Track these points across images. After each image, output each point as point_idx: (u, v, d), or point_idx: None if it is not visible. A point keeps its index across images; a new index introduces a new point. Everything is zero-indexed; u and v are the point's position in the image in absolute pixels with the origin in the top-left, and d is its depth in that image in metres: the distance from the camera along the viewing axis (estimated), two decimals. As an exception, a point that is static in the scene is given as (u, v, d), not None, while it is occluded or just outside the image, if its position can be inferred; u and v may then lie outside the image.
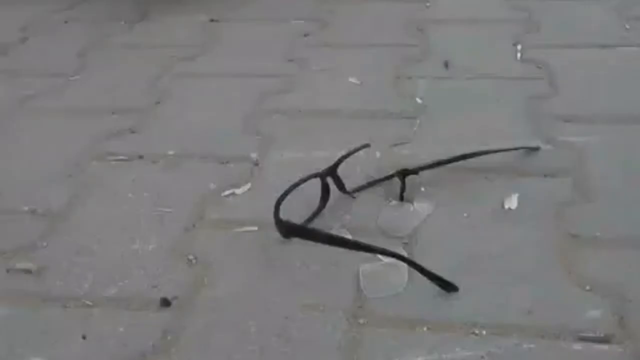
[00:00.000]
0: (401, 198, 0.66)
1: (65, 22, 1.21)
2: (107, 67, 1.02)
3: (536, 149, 0.73)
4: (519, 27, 1.07)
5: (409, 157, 0.72)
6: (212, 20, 1.17)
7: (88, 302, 0.56)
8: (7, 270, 0.60)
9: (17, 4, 1.31)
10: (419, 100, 0.86)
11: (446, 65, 0.95)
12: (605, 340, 0.49)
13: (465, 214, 0.64)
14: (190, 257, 0.60)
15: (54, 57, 1.06)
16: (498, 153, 0.71)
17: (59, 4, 1.29)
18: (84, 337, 0.52)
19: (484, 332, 0.50)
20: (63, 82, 0.97)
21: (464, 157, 0.69)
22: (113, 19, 1.21)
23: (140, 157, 0.76)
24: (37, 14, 1.24)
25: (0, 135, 0.84)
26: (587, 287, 0.54)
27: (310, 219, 0.63)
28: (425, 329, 0.51)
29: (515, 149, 0.72)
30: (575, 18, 1.10)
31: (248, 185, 0.70)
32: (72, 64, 1.03)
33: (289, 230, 0.60)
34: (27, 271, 0.60)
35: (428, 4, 1.20)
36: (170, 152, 0.77)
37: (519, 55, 0.98)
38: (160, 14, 1.23)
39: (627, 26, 1.05)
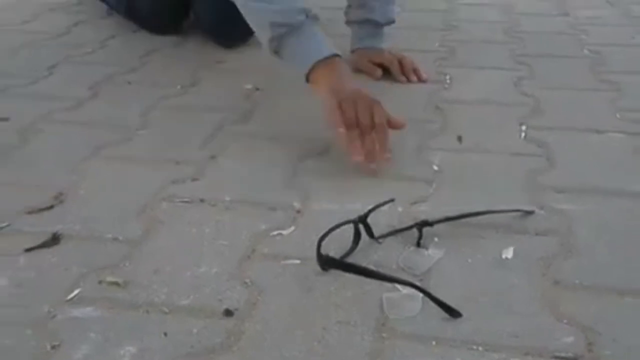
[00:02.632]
0: (418, 245, 0.80)
1: (129, 83, 1.40)
2: (167, 125, 1.19)
3: (531, 212, 0.88)
4: (525, 110, 1.23)
5: (425, 212, 0.87)
6: (257, 89, 1.34)
7: (165, 309, 0.70)
8: (99, 282, 0.74)
9: (87, 65, 1.50)
10: (435, 168, 1.01)
11: (459, 139, 1.11)
12: (574, 358, 0.62)
13: (469, 260, 0.78)
14: (247, 280, 0.75)
15: (120, 113, 1.23)
16: (499, 214, 0.85)
17: (122, 67, 1.48)
18: (165, 334, 0.66)
19: (480, 349, 0.64)
20: (130, 134, 1.14)
21: (471, 214, 0.84)
22: (169, 84, 1.38)
23: (202, 200, 0.92)
24: (104, 74, 1.43)
25: (80, 177, 0.99)
26: (565, 321, 0.68)
27: (345, 257, 0.78)
28: (434, 343, 0.65)
29: (513, 210, 0.87)
30: (575, 106, 1.26)
31: (292, 228, 0.85)
32: (137, 120, 1.20)
33: (327, 262, 0.74)
34: (115, 283, 0.74)
35: (446, 86, 1.37)
36: (227, 198, 0.92)
37: (523, 134, 1.14)
38: (210, 80, 1.41)
39: (618, 115, 1.21)
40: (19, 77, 1.41)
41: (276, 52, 1.10)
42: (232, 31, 1.54)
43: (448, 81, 1.40)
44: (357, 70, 1.41)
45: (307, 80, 1.07)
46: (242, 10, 1.14)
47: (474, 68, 1.47)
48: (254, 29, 1.15)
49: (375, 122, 0.99)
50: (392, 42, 1.49)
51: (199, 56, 1.55)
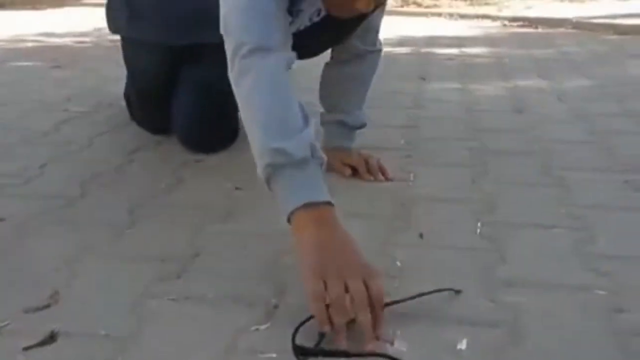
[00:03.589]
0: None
1: (116, 182, 1.50)
2: (153, 223, 1.28)
3: (458, 291, 1.00)
4: (480, 207, 1.36)
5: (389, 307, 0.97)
6: (236, 188, 1.45)
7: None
8: (96, 377, 0.82)
9: (76, 163, 1.60)
10: (398, 263, 1.12)
11: (421, 236, 1.23)
12: None
13: (428, 352, 0.88)
14: (229, 372, 0.83)
15: (109, 212, 1.33)
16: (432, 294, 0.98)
17: (109, 165, 1.58)
18: None
19: None
20: (119, 233, 1.23)
21: (405, 299, 0.95)
22: (154, 182, 1.49)
23: (186, 298, 1.01)
24: (93, 173, 1.53)
25: (74, 276, 1.08)
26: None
27: (317, 344, 0.87)
28: None
29: (442, 290, 0.99)
30: (525, 202, 1.39)
31: (269, 323, 0.94)
32: (125, 219, 1.29)
33: (302, 352, 0.83)
34: (110, 378, 0.82)
35: (410, 183, 1.50)
36: (210, 295, 1.01)
37: (478, 230, 1.25)
38: (191, 180, 1.51)
39: (563, 211, 1.34)
40: (12, 177, 1.51)
41: (267, 178, 1.02)
42: (202, 143, 1.66)
43: (412, 178, 1.53)
44: (328, 168, 1.53)
45: (289, 220, 0.99)
46: (250, 131, 1.05)
47: (436, 166, 1.61)
48: (253, 146, 1.04)
49: (368, 302, 0.88)
50: (362, 139, 1.62)
51: (180, 155, 1.66)
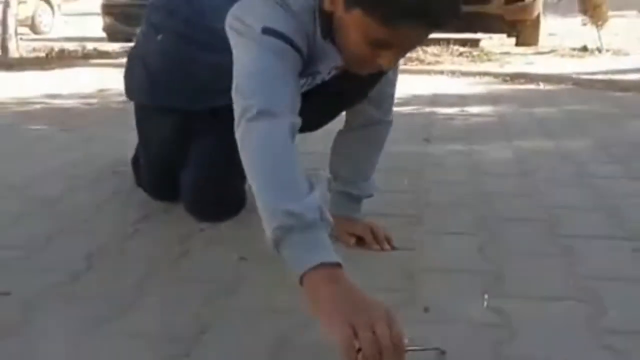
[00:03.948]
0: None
1: (122, 254, 1.50)
2: (159, 299, 1.28)
3: (443, 352, 1.02)
4: (488, 278, 1.35)
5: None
6: (242, 259, 1.45)
7: None
8: None
9: (82, 234, 1.61)
10: (406, 341, 1.10)
11: (426, 310, 1.21)
12: None
13: None
14: None
15: (115, 287, 1.32)
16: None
17: (115, 235, 1.59)
18: None
19: None
20: (125, 309, 1.22)
21: None
22: (160, 254, 1.49)
23: (193, 379, 1.00)
24: (98, 244, 1.53)
25: (80, 355, 1.07)
26: None
27: None
28: None
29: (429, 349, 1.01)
30: (533, 273, 1.38)
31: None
32: (130, 294, 1.29)
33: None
34: None
35: (416, 253, 1.49)
36: (216, 377, 1.00)
37: (485, 303, 1.24)
38: (197, 251, 1.51)
39: (572, 282, 1.33)
40: (18, 249, 1.51)
41: (277, 241, 1.02)
42: (208, 212, 1.67)
43: (417, 248, 1.52)
44: (332, 237, 1.53)
45: (301, 281, 1.00)
46: (256, 192, 1.07)
47: (442, 234, 1.60)
48: (262, 214, 1.05)
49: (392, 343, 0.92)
50: (367, 204, 1.62)
51: (185, 224, 1.66)
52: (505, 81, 4.56)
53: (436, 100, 3.72)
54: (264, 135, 1.09)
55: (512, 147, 2.53)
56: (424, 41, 1.22)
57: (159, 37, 1.69)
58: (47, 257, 1.48)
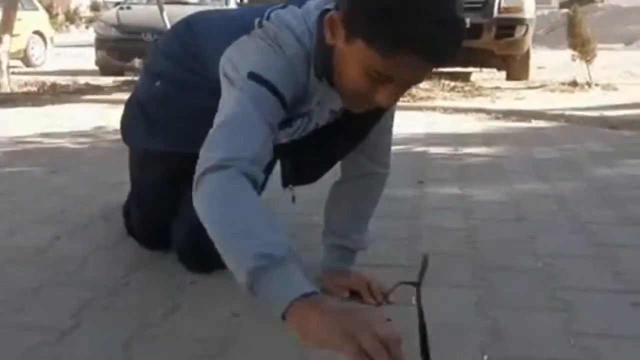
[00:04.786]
0: None
1: (111, 309, 1.46)
2: (150, 358, 1.24)
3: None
4: (485, 336, 1.32)
5: None
6: (234, 315, 1.41)
7: None
8: None
9: (69, 287, 1.57)
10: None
11: (425, 374, 1.18)
12: None
13: None
14: None
15: (102, 346, 1.28)
16: None
17: (103, 288, 1.55)
18: None
19: None
20: (112, 372, 1.18)
21: None
22: (149, 309, 1.45)
23: None
24: (86, 300, 1.49)
25: None
26: None
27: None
28: None
29: None
30: (532, 329, 1.35)
31: None
32: (119, 355, 1.25)
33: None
34: None
35: (411, 308, 1.45)
36: None
37: (486, 365, 1.21)
38: (187, 306, 1.47)
39: (572, 341, 1.30)
40: (3, 303, 1.47)
41: (251, 286, 1.02)
42: (200, 263, 1.63)
43: (413, 302, 1.49)
44: (324, 290, 1.50)
45: (286, 316, 0.99)
46: (218, 243, 1.07)
47: (438, 286, 1.57)
48: (229, 262, 1.06)
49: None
50: (361, 254, 1.60)
51: (176, 275, 1.63)
52: (497, 118, 4.57)
53: (429, 138, 3.71)
54: (217, 187, 1.10)
55: (507, 189, 2.51)
56: (424, 77, 1.19)
57: (157, 83, 1.67)
58: (32, 313, 1.44)
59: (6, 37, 5.99)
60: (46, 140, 3.66)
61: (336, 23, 1.15)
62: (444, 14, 1.06)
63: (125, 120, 1.77)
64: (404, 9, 1.05)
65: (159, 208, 1.72)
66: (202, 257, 1.63)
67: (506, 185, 2.59)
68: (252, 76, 1.18)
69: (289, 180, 1.62)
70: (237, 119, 1.15)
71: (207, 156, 1.13)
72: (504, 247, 1.85)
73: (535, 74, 7.56)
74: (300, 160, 1.58)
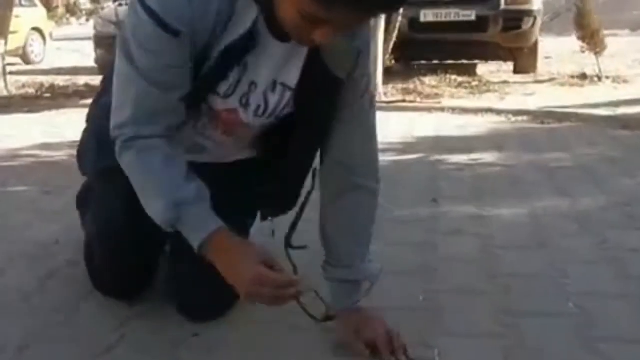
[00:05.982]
0: None
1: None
2: None
3: None
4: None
5: None
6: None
7: None
8: None
9: (58, 342, 1.44)
10: None
11: None
12: None
13: None
14: None
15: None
16: None
17: (97, 346, 1.42)
18: None
19: None
20: None
21: None
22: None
23: None
24: (78, 355, 1.36)
25: None
26: None
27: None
28: None
29: None
30: None
31: None
32: None
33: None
34: None
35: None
36: None
37: None
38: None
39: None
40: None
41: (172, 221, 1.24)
42: (204, 310, 1.50)
43: (437, 355, 1.36)
44: (341, 341, 1.38)
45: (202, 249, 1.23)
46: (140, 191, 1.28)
47: (461, 336, 1.44)
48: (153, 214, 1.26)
49: None
50: (374, 294, 1.45)
51: (175, 328, 1.49)
52: (508, 119, 4.42)
53: (440, 144, 3.57)
54: (133, 161, 1.27)
55: (526, 207, 2.37)
56: (363, 22, 1.17)
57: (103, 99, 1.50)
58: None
59: (1, 41, 5.84)
60: (43, 153, 3.53)
61: None
62: None
63: (79, 150, 1.65)
64: None
65: (124, 243, 1.46)
66: (205, 304, 1.51)
67: (524, 201, 2.45)
68: (145, 8, 1.16)
69: (266, 211, 1.55)
70: (133, 88, 1.24)
71: (118, 131, 1.27)
72: (530, 283, 1.71)
73: (542, 64, 7.39)
74: (270, 179, 1.47)
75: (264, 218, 1.59)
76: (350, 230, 1.43)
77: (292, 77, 1.31)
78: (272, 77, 1.30)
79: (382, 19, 5.29)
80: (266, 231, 1.59)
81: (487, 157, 3.23)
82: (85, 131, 1.65)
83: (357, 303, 1.43)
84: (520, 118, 4.42)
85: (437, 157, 3.24)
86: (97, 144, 1.53)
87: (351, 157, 1.39)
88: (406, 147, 3.44)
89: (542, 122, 4.27)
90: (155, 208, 1.25)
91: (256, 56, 1.25)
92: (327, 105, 1.33)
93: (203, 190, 1.27)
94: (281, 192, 1.48)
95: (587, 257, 1.88)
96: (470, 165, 3.08)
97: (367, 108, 1.39)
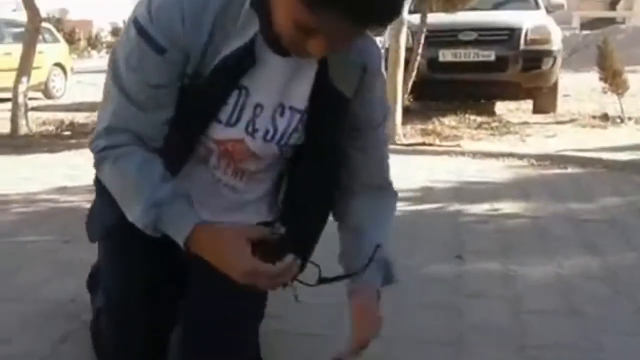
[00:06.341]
0: None
1: None
2: None
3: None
4: None
5: None
6: None
7: None
8: None
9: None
10: None
11: None
12: None
13: None
14: None
15: None
16: None
17: None
18: None
19: None
20: None
21: None
22: None
23: None
24: None
25: None
26: None
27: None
28: None
29: None
30: None
31: None
32: None
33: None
34: None
35: None
36: None
37: None
38: None
39: None
40: None
41: (153, 221, 1.16)
42: None
43: None
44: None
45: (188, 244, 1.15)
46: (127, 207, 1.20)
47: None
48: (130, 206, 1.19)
49: None
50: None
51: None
52: (531, 164, 4.36)
53: (461, 192, 3.51)
54: (113, 168, 1.21)
55: (553, 265, 2.30)
56: (357, 35, 1.10)
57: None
58: None
59: (24, 78, 5.89)
60: (62, 197, 3.51)
61: None
62: None
63: (88, 216, 1.49)
64: None
65: (135, 315, 1.37)
66: None
67: (551, 257, 2.39)
68: (135, 24, 1.14)
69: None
70: (122, 103, 1.18)
71: (93, 144, 1.22)
72: (562, 353, 1.64)
73: (561, 102, 7.32)
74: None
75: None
76: (373, 219, 1.34)
77: (300, 98, 1.24)
78: (278, 99, 1.23)
79: (401, 59, 5.30)
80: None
81: (511, 207, 3.16)
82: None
83: (372, 283, 1.29)
84: (542, 163, 4.35)
85: (459, 206, 3.18)
86: (101, 203, 1.45)
87: (368, 177, 1.35)
88: (426, 196, 3.38)
89: (565, 167, 4.20)
90: (135, 213, 1.19)
91: (257, 75, 1.19)
92: (335, 124, 1.27)
93: (180, 188, 1.20)
94: (300, 233, 1.32)
95: (623, 327, 1.80)
96: (494, 216, 3.02)
97: (383, 138, 1.35)
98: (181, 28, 1.12)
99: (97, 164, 1.23)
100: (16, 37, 9.87)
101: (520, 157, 4.49)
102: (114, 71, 1.19)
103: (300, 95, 1.25)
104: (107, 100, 1.21)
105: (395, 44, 5.26)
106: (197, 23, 1.13)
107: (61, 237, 2.72)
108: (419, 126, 5.92)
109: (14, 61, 6.34)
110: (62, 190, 3.67)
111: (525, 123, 6.32)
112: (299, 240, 1.36)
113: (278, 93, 1.23)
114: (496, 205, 3.18)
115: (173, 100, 1.19)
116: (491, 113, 7.00)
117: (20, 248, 2.61)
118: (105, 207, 1.40)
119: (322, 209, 1.38)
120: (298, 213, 1.36)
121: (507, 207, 3.15)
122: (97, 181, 1.55)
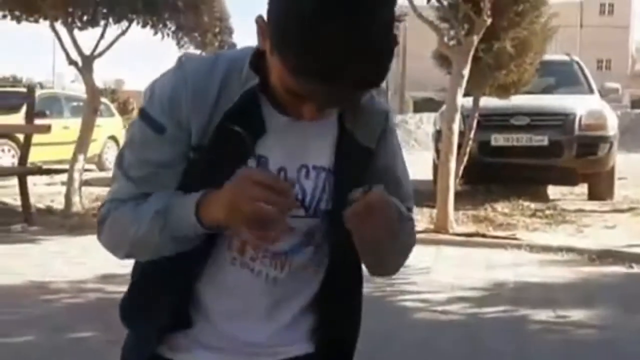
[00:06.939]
0: None
1: None
2: None
3: None
4: None
5: None
6: None
7: None
8: None
9: None
10: None
11: None
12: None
13: None
14: None
15: None
16: None
17: None
18: None
19: None
20: None
21: None
22: None
23: None
24: None
25: None
26: None
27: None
28: None
29: None
30: None
31: None
32: None
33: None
34: None
35: None
36: None
37: None
38: None
39: None
40: None
41: (162, 229, 1.07)
42: None
43: None
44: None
45: (200, 217, 1.04)
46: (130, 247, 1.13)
47: None
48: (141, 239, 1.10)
49: None
50: None
51: None
52: (592, 260, 4.16)
53: (521, 293, 3.34)
54: (111, 229, 1.14)
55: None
56: (342, 101, 1.04)
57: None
58: None
59: (81, 157, 6.02)
60: (109, 287, 3.46)
61: (263, 28, 1.03)
62: (358, 43, 0.94)
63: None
64: (307, 33, 0.94)
65: None
66: None
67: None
68: (143, 114, 1.13)
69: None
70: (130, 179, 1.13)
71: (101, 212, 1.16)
72: None
73: (617, 186, 7.08)
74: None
75: None
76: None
77: (324, 157, 1.17)
78: (300, 161, 1.16)
79: (454, 146, 5.22)
80: None
81: (576, 314, 2.98)
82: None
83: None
84: (605, 260, 4.15)
85: (521, 312, 3.01)
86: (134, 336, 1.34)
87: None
88: (485, 298, 3.22)
89: (631, 267, 3.99)
90: (142, 237, 1.11)
91: (270, 139, 1.13)
92: (360, 181, 1.15)
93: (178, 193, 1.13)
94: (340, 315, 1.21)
95: None
96: (559, 323, 2.85)
97: (402, 166, 1.24)
98: (184, 104, 1.10)
99: (98, 230, 1.17)
100: (74, 111, 10.20)
101: (580, 252, 4.30)
102: (119, 154, 1.19)
103: (324, 153, 1.17)
104: (113, 180, 1.20)
105: (448, 131, 5.20)
106: (203, 92, 1.12)
107: (106, 336, 2.65)
108: (471, 212, 5.79)
109: (72, 134, 6.51)
110: (110, 278, 3.62)
111: (581, 211, 6.12)
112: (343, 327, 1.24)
113: (299, 154, 1.16)
114: (560, 312, 3.01)
115: (175, 182, 1.13)
116: (545, 198, 6.82)
117: (64, 350, 2.55)
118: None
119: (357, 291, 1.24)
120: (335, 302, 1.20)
121: (571, 314, 2.98)
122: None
